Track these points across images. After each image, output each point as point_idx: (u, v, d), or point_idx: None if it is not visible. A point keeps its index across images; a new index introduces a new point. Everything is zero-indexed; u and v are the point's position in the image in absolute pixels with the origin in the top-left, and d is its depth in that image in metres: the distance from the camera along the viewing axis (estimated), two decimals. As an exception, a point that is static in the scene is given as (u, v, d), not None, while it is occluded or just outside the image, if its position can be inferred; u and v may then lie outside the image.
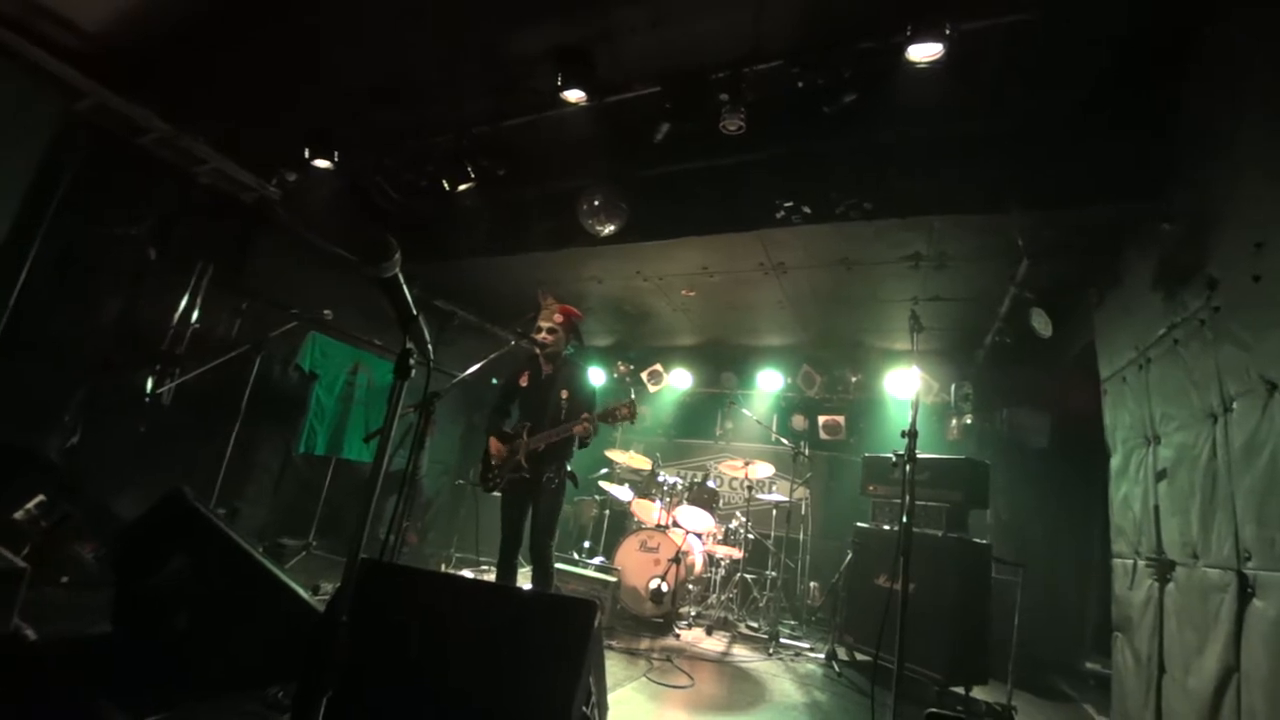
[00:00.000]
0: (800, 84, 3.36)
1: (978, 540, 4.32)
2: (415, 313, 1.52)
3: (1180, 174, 3.02)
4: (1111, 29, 2.94)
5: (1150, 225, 3.24)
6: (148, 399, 4.51)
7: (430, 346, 1.59)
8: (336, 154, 4.56)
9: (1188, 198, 2.92)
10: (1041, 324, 4.43)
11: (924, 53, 3.03)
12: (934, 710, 2.14)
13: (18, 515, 3.23)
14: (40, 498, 3.33)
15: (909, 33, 3.00)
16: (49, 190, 3.98)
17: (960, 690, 3.94)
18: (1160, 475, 3.01)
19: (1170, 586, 2.82)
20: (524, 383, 3.94)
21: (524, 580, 4.11)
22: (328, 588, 4.15)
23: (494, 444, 3.79)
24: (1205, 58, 2.83)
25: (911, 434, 2.97)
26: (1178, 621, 2.71)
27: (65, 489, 3.47)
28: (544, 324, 3.87)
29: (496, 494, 3.81)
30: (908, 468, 2.93)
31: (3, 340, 3.79)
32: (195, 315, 4.75)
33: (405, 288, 1.49)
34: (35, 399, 4.08)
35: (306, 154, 4.54)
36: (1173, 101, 3.04)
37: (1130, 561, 3.31)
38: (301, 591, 2.53)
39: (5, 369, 3.82)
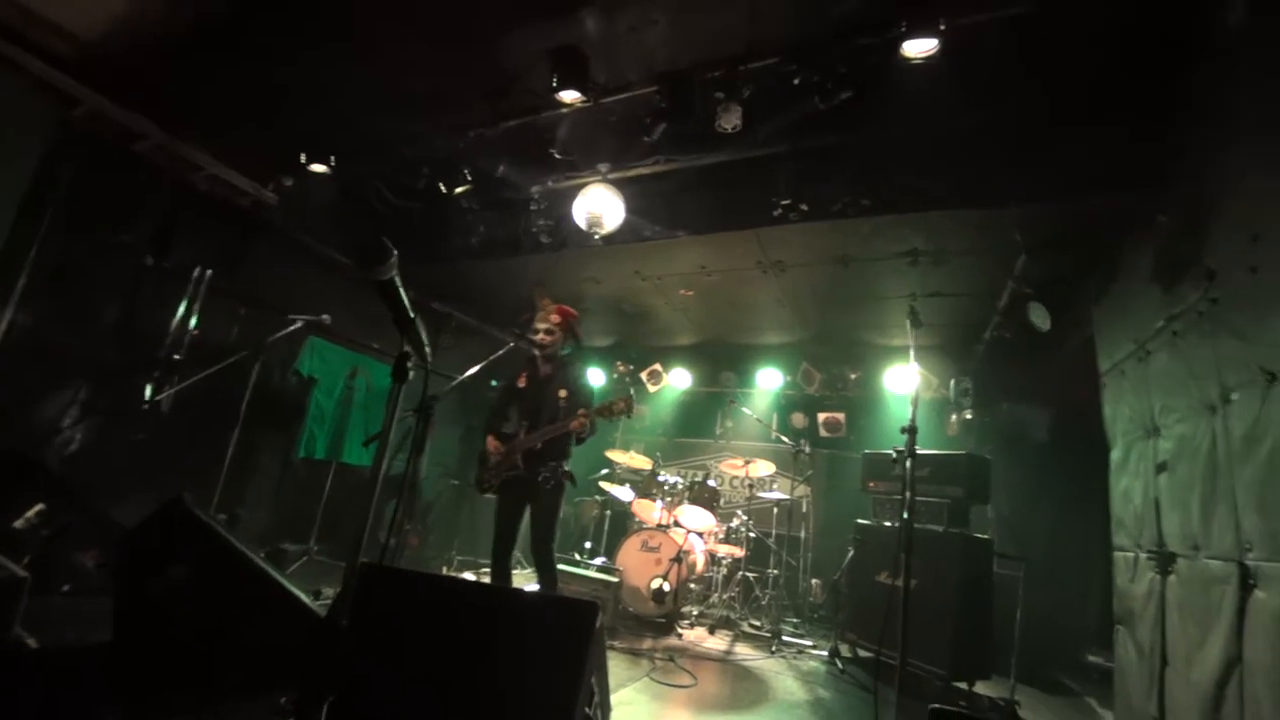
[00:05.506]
0: (796, 81, 3.36)
1: (979, 535, 4.32)
2: (413, 315, 1.52)
3: (1177, 166, 3.01)
4: (1108, 21, 2.94)
5: (1147, 217, 3.24)
6: (146, 406, 4.49)
7: (428, 349, 1.59)
8: (333, 159, 4.56)
9: (1185, 190, 2.92)
10: (1040, 318, 4.42)
11: (919, 48, 3.04)
12: (938, 706, 2.14)
13: (18, 524, 3.22)
14: (40, 506, 3.31)
15: (904, 28, 3.01)
16: (45, 198, 3.97)
17: (963, 685, 3.94)
18: (1160, 467, 3.01)
19: (1172, 579, 2.82)
20: (522, 384, 3.92)
21: (521, 581, 4.10)
22: (329, 592, 4.15)
23: (492, 444, 3.76)
24: (1203, 50, 2.83)
25: (911, 430, 2.97)
26: (1180, 614, 2.71)
27: (65, 497, 3.46)
28: (541, 325, 3.85)
29: (492, 495, 3.77)
30: (908, 464, 2.93)
31: (1, 348, 3.78)
32: (193, 321, 4.73)
33: (402, 290, 1.49)
34: (34, 407, 4.07)
35: (303, 159, 4.54)
36: (1170, 94, 3.03)
37: (1131, 554, 3.31)
38: (303, 597, 2.52)
39: (3, 376, 3.81)
